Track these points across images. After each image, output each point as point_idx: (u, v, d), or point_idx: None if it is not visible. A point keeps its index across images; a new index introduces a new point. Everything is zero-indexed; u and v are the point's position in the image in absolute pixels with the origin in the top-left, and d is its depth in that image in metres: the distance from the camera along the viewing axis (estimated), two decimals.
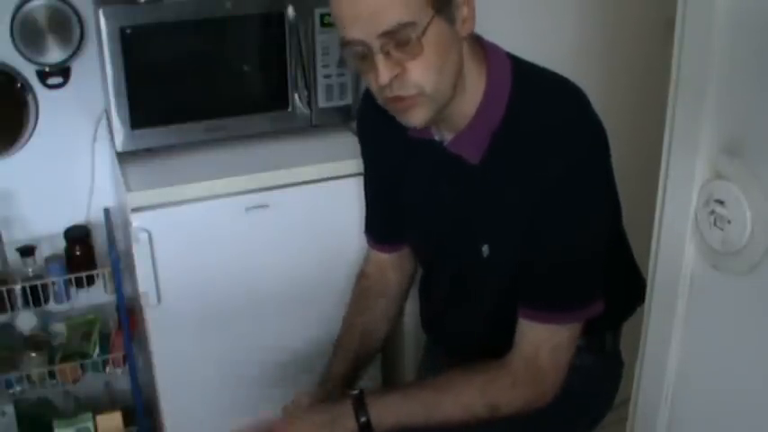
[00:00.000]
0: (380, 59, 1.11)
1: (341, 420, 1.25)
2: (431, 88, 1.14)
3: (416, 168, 1.33)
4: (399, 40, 1.09)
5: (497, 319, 1.29)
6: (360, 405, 1.24)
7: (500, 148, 1.21)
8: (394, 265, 1.51)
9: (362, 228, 1.54)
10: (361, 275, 1.54)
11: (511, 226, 1.22)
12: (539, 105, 1.20)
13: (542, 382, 1.24)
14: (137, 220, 1.68)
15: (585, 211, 1.19)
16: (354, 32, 1.10)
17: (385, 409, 1.25)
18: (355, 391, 1.26)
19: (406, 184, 1.37)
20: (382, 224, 1.50)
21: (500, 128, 1.20)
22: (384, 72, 1.11)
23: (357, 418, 1.23)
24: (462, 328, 1.41)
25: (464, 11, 1.14)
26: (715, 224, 0.89)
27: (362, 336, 1.48)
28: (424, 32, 1.09)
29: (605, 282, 1.25)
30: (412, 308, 1.95)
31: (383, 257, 1.51)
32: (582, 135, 1.19)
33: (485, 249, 1.27)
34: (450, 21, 1.13)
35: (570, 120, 1.19)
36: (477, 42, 1.22)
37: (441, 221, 1.34)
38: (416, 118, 1.17)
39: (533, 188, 1.17)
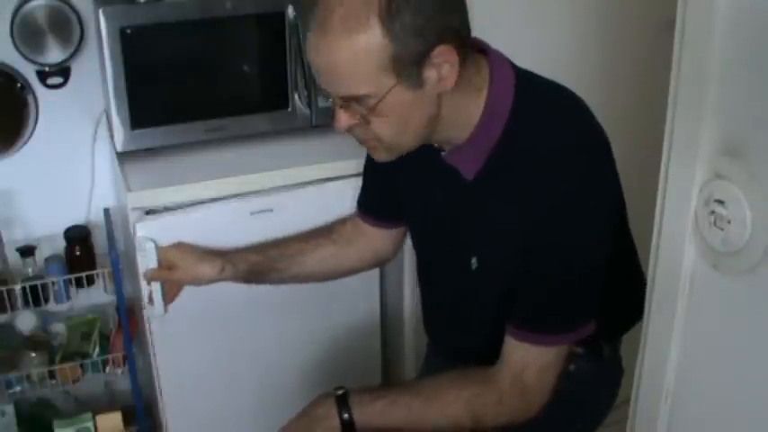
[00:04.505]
0: (339, 110, 1.14)
1: (323, 421, 1.25)
2: (390, 141, 1.17)
3: (416, 169, 1.33)
4: (355, 104, 1.12)
5: (490, 329, 1.29)
6: (343, 404, 1.24)
7: (495, 168, 1.20)
8: (369, 235, 1.52)
9: None
10: (340, 220, 1.55)
11: (501, 243, 1.22)
12: (537, 128, 1.19)
13: (528, 400, 1.24)
14: (138, 223, 1.68)
15: (582, 238, 1.18)
16: (318, 80, 1.14)
17: (370, 412, 1.24)
18: (340, 392, 1.26)
19: (404, 180, 1.37)
20: (372, 200, 1.51)
21: (496, 148, 1.19)
22: (342, 120, 1.15)
23: (340, 416, 1.24)
24: (457, 334, 1.41)
25: (442, 71, 1.11)
26: (715, 224, 0.89)
27: (287, 255, 1.49)
28: (379, 102, 1.10)
29: (606, 297, 1.24)
30: (412, 311, 1.96)
31: (363, 223, 1.52)
32: (580, 160, 1.18)
33: (474, 262, 1.27)
34: (417, 85, 1.11)
35: (568, 145, 1.18)
36: (483, 60, 1.21)
37: (434, 226, 1.34)
38: (378, 158, 1.21)
39: (528, 213, 1.17)
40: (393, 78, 1.09)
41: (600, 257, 1.22)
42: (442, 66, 1.10)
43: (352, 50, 1.07)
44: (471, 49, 1.16)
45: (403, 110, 1.13)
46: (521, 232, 1.18)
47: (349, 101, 1.12)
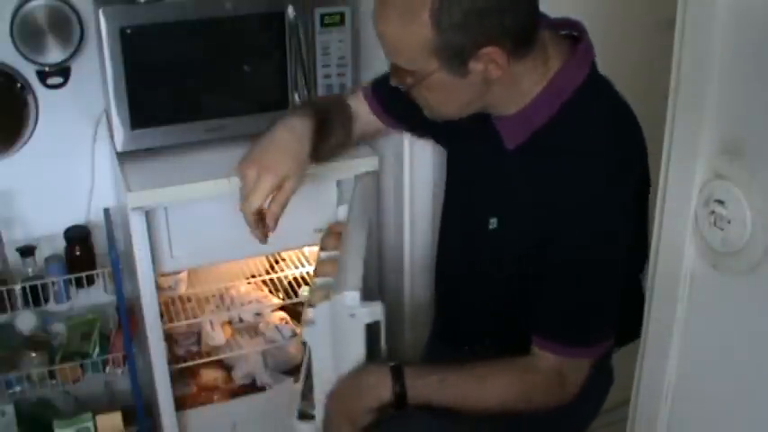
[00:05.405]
0: (392, 71, 1.24)
1: (373, 390, 1.27)
2: (433, 108, 1.26)
3: (466, 121, 1.34)
4: (403, 72, 1.20)
5: (499, 303, 1.33)
6: (397, 377, 1.27)
7: (539, 147, 1.25)
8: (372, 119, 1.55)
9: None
10: (350, 95, 1.57)
11: (521, 212, 1.27)
12: (582, 128, 1.23)
13: (567, 389, 1.30)
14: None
15: (601, 241, 1.22)
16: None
17: (421, 386, 1.27)
18: (393, 363, 1.28)
19: (451, 129, 1.38)
20: (391, 101, 1.50)
21: (545, 128, 1.24)
22: (393, 80, 1.25)
23: (393, 389, 1.26)
24: (467, 307, 1.43)
25: (488, 66, 1.16)
26: (715, 224, 0.89)
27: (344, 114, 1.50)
28: (423, 79, 1.18)
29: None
30: (412, 310, 1.96)
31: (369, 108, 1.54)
32: (613, 172, 1.21)
33: (492, 222, 1.31)
34: (461, 74, 1.17)
35: (604, 153, 1.22)
36: (561, 48, 1.24)
37: (466, 177, 1.39)
38: (427, 115, 1.29)
39: (553, 204, 1.21)
40: (436, 64, 1.16)
41: (614, 270, 1.25)
42: (489, 63, 1.16)
43: (401, 34, 1.15)
44: (532, 46, 1.20)
45: (446, 89, 1.20)
46: (545, 210, 1.23)
47: (398, 68, 1.21)
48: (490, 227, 1.31)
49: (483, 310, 1.41)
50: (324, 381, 1.34)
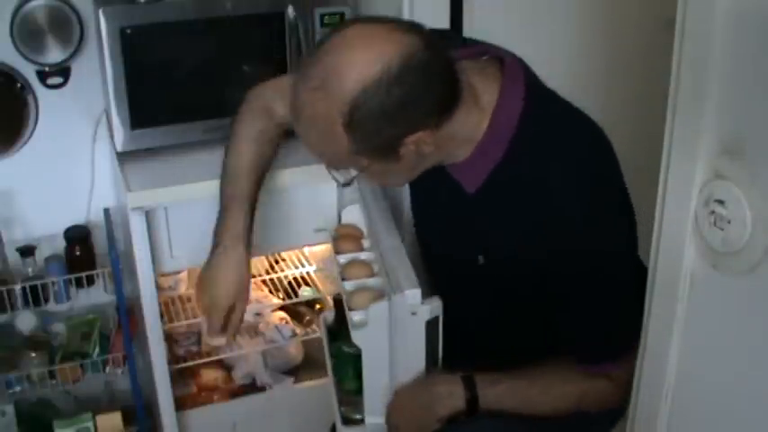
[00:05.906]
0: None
1: (446, 400, 1.29)
2: (380, 185, 1.36)
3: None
4: None
5: (498, 319, 1.31)
6: (470, 386, 1.29)
7: (497, 186, 1.23)
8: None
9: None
10: (268, 104, 1.51)
11: (510, 245, 1.25)
12: (540, 151, 1.20)
13: (618, 395, 1.30)
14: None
15: (601, 261, 1.22)
16: None
17: (492, 396, 1.29)
18: (462, 373, 1.30)
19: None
20: None
21: (501, 164, 1.21)
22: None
23: (466, 398, 1.28)
24: (466, 324, 1.43)
25: (419, 147, 1.15)
26: (715, 224, 0.89)
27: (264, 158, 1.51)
28: (359, 173, 1.21)
29: None
30: None
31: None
32: (593, 177, 1.21)
33: (480, 258, 1.30)
34: (394, 160, 1.17)
35: (569, 173, 1.19)
36: (489, 81, 1.21)
37: (437, 224, 1.37)
38: None
39: (547, 229, 1.19)
40: (366, 161, 1.16)
41: (621, 275, 1.24)
42: (419, 144, 1.14)
43: (321, 147, 1.17)
44: (458, 101, 1.17)
45: (384, 173, 1.22)
46: (538, 245, 1.20)
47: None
48: (479, 263, 1.30)
49: (476, 328, 1.40)
50: (377, 383, 1.33)
